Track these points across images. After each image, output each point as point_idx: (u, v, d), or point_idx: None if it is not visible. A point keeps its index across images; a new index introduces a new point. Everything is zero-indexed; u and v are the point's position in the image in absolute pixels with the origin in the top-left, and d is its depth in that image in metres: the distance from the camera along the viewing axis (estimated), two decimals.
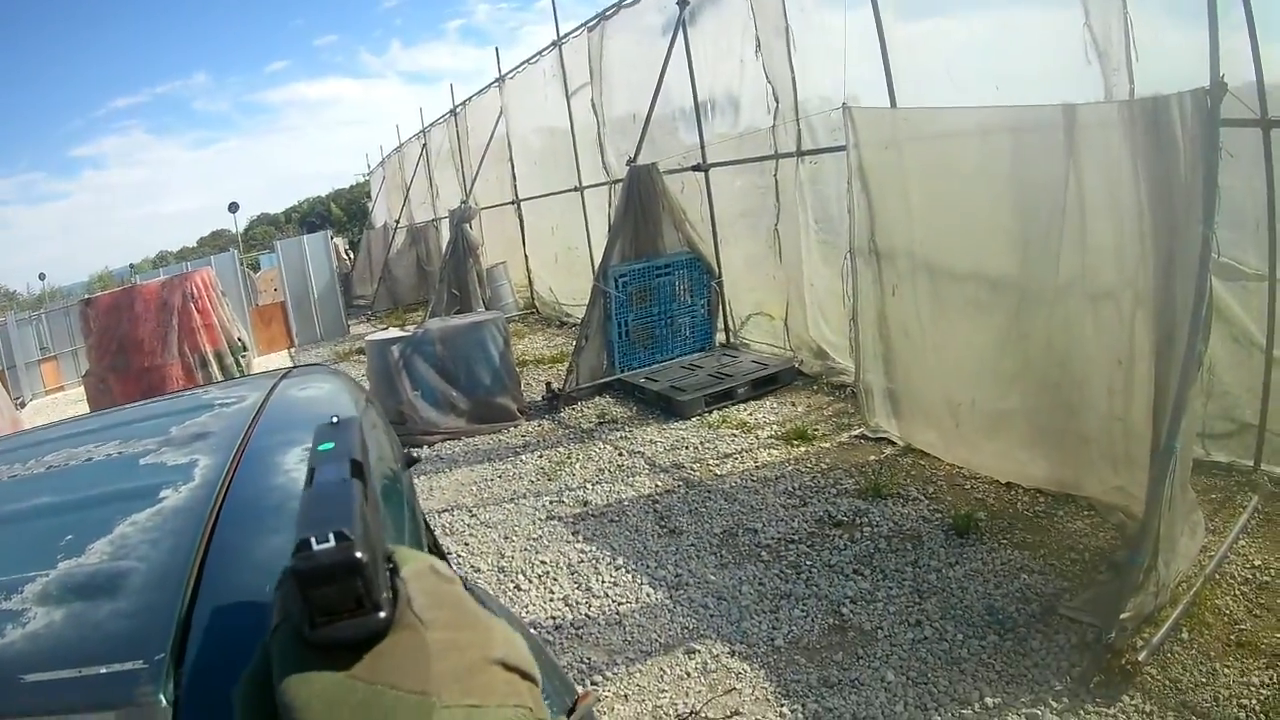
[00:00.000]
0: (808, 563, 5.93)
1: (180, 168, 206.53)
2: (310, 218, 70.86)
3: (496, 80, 18.84)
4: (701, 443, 8.73)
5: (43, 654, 1.11)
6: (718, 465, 8.03)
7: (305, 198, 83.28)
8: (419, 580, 0.83)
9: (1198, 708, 4.05)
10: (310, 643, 0.76)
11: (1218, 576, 5.02)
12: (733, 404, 9.74)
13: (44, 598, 1.24)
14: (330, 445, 0.97)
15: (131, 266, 62.47)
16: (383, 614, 0.77)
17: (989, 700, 4.28)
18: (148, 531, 1.44)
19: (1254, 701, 4.03)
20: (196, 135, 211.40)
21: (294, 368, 2.78)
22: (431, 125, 25.51)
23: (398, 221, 28.50)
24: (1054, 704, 4.18)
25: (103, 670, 1.06)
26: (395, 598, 0.80)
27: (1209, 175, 4.49)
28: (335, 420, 1.07)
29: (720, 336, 11.99)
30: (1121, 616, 4.39)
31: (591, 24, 14.46)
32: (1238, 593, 4.89)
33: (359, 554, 0.76)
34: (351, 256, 35.38)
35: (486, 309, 16.79)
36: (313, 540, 0.76)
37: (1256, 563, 5.13)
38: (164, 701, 1.01)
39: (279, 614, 0.81)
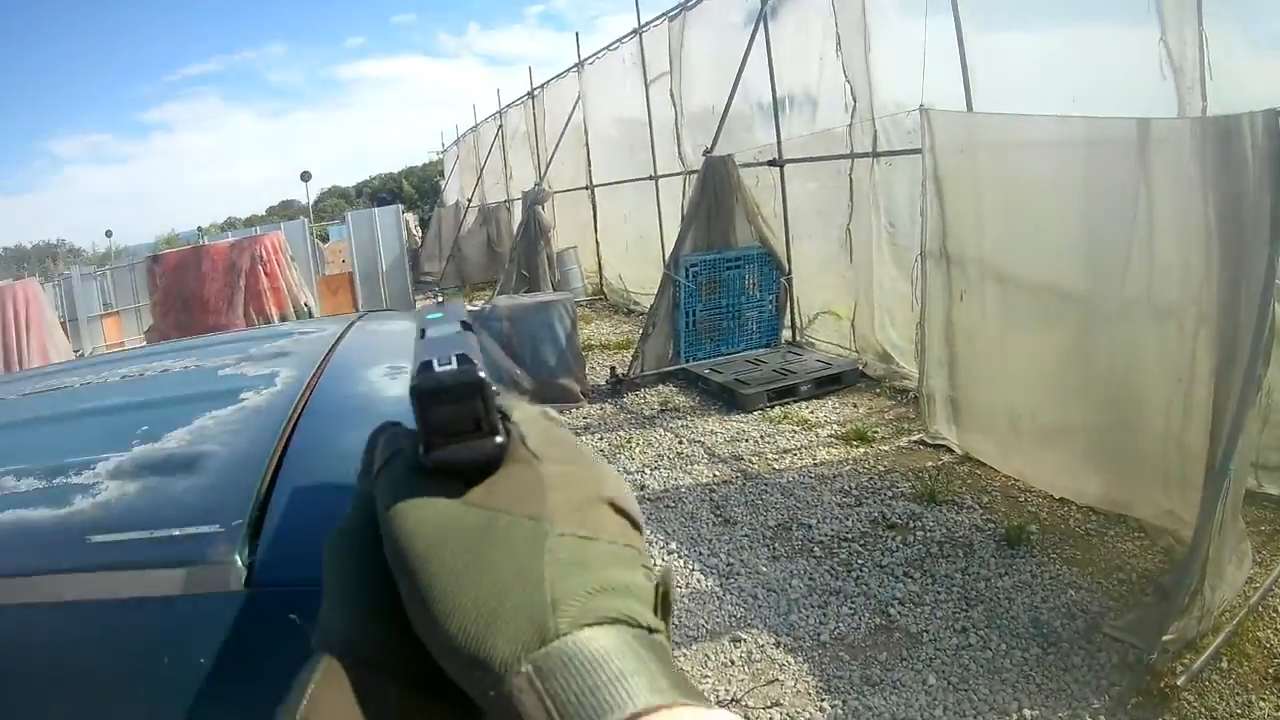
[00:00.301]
0: (859, 561, 5.99)
1: (251, 136, 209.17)
2: (381, 193, 71.32)
3: (575, 65, 18.96)
4: (761, 436, 8.81)
5: (112, 519, 1.14)
6: (776, 460, 8.09)
7: (377, 173, 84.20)
8: (531, 422, 0.80)
9: None
10: (421, 471, 0.73)
11: (1261, 609, 5.02)
12: (795, 401, 9.77)
13: (117, 473, 1.29)
14: (440, 315, 0.91)
15: (199, 229, 63.27)
16: (499, 439, 0.74)
17: (1027, 712, 4.32)
18: (228, 424, 1.51)
19: None
20: (269, 105, 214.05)
21: (370, 311, 2.88)
22: (508, 107, 25.59)
23: (469, 201, 28.68)
24: None
25: (175, 532, 1.11)
26: (509, 436, 0.76)
27: (1277, 196, 4.49)
28: (440, 300, 1.07)
29: (786, 333, 11.98)
30: (1164, 639, 4.41)
31: (673, 13, 14.51)
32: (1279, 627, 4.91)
33: (482, 374, 0.73)
34: (420, 233, 35.49)
35: (555, 291, 16.89)
36: (434, 361, 0.73)
37: None
38: (239, 562, 1.05)
39: (382, 455, 0.79)
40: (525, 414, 0.80)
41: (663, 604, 0.68)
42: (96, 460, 1.33)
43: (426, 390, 0.71)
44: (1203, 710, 4.25)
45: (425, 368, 0.73)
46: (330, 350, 2.09)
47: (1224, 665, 4.55)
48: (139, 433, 1.47)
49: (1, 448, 1.58)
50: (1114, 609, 5.10)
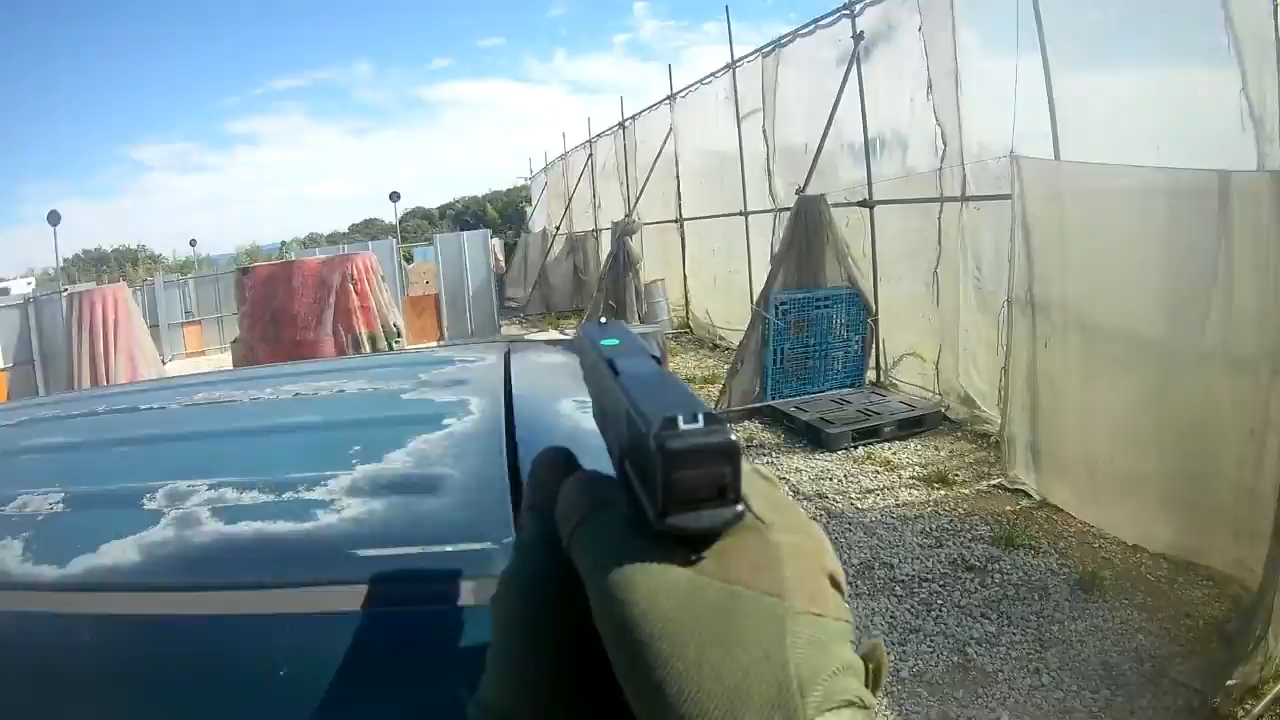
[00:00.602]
0: (939, 601, 6.13)
1: (335, 153, 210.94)
2: (465, 215, 71.79)
3: (668, 98, 19.16)
4: (845, 475, 8.92)
5: (372, 535, 1.18)
6: (859, 499, 8.21)
7: (460, 196, 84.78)
8: (750, 481, 0.71)
9: None
10: (643, 532, 0.66)
11: None
12: (878, 441, 9.85)
13: (355, 490, 1.32)
14: (617, 340, 0.87)
15: (283, 244, 64.02)
16: (741, 508, 0.67)
17: None
18: (447, 449, 1.53)
19: None
20: (354, 123, 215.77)
21: (514, 340, 2.95)
22: (599, 136, 25.75)
23: (557, 228, 29.01)
24: None
25: (449, 548, 1.16)
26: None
27: None
28: (603, 320, 0.95)
29: (870, 374, 12.03)
30: (1228, 684, 4.56)
31: (766, 50, 14.67)
32: None
33: (734, 437, 0.66)
34: (503, 258, 35.54)
35: (642, 323, 17.02)
36: (680, 418, 0.67)
37: None
38: None
39: (577, 504, 0.72)
40: (742, 471, 0.71)
41: (874, 678, 0.68)
42: (325, 477, 1.37)
43: (674, 451, 0.65)
44: None
45: (670, 425, 0.67)
46: (506, 378, 2.12)
47: None
48: (354, 452, 1.51)
49: (198, 460, 1.61)
50: (1181, 654, 5.22)
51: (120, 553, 1.18)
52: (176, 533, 1.21)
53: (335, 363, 2.77)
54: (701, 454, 0.66)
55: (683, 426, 0.66)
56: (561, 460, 0.78)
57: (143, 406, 2.15)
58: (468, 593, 1.08)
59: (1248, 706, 4.58)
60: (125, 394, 2.46)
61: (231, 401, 2.09)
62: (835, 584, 0.70)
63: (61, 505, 1.38)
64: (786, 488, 6.42)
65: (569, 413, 1.87)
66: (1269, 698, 4.62)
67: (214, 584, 1.11)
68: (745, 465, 0.71)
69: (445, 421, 1.69)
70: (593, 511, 0.70)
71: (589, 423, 1.69)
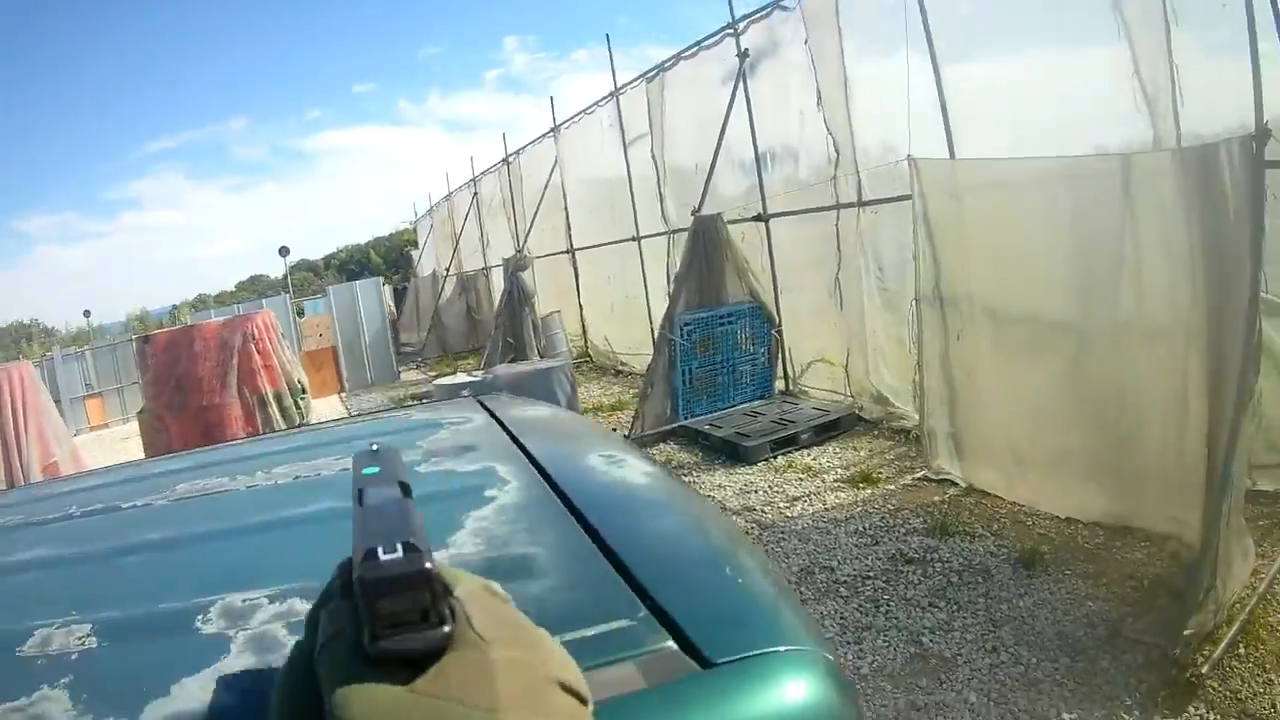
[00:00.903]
0: (885, 597, 6.18)
1: (217, 212, 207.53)
2: (349, 265, 71.18)
3: (551, 130, 19.12)
4: (770, 486, 8.95)
5: None
6: (788, 508, 8.25)
7: (344, 245, 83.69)
8: (475, 600, 0.79)
9: (1258, 714, 4.37)
10: (368, 657, 0.73)
11: (1269, 597, 5.31)
12: (796, 449, 9.92)
13: None
14: (375, 469, 0.94)
15: (174, 308, 62.86)
16: (448, 628, 0.74)
17: (1066, 716, 4.56)
18: (508, 523, 1.49)
19: None
20: (233, 180, 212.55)
21: (478, 396, 2.79)
22: (483, 174, 25.67)
23: (448, 269, 28.66)
24: (1126, 717, 4.48)
25: (589, 633, 1.12)
26: (453, 615, 0.76)
27: (1256, 217, 4.80)
28: (375, 448, 1.02)
29: (779, 384, 12.15)
30: (1185, 634, 4.70)
31: (650, 74, 14.74)
32: None
33: (428, 564, 0.74)
34: (394, 304, 35.32)
35: (541, 357, 17.01)
36: (379, 549, 0.74)
37: None
38: (675, 647, 1.09)
39: (325, 629, 0.79)
40: (468, 589, 0.81)
41: None
42: None
43: (372, 582, 0.73)
44: (1228, 694, 4.55)
45: (370, 556, 0.74)
46: (511, 438, 2.07)
47: (1241, 651, 4.84)
48: None
49: (231, 566, 1.48)
50: (1132, 614, 5.36)
51: (200, 692, 1.06)
52: (259, 658, 1.12)
53: (305, 437, 2.49)
54: (398, 582, 0.73)
55: (383, 558, 0.74)
56: (340, 582, 0.82)
57: (124, 505, 1.91)
58: (628, 678, 1.05)
59: (1206, 653, 4.73)
60: (83, 491, 2.14)
61: (224, 491, 1.93)
62: (571, 691, 0.76)
63: (94, 639, 1.23)
64: (714, 503, 6.44)
65: (604, 469, 1.89)
66: (1225, 642, 4.80)
67: None
68: (475, 584, 0.82)
69: (488, 494, 1.65)
70: (331, 638, 0.76)
71: (627, 474, 1.86)
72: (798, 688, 1.07)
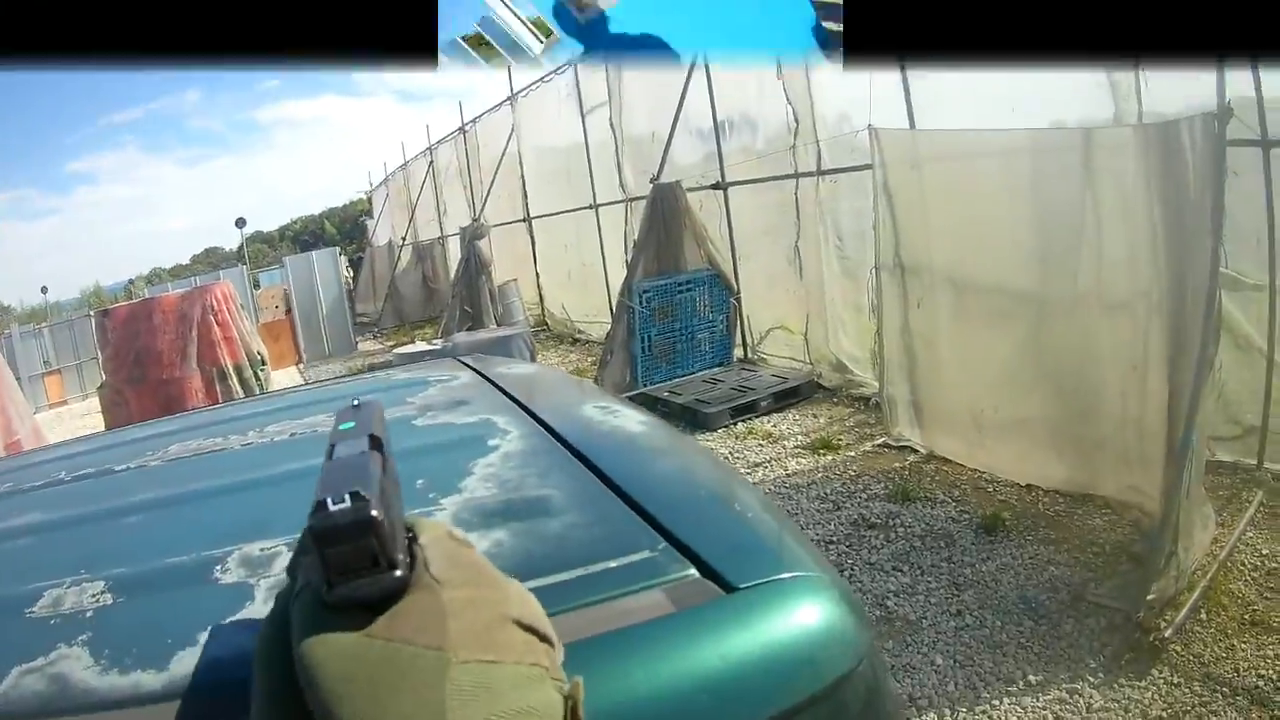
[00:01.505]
0: (849, 561, 6.22)
1: (172, 185, 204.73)
2: (304, 236, 70.70)
3: (509, 98, 18.94)
4: (730, 453, 8.98)
5: (529, 565, 1.16)
6: (749, 474, 8.23)
7: (298, 216, 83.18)
8: (436, 545, 0.83)
9: (1220, 678, 4.45)
10: (328, 605, 0.77)
11: (1229, 564, 5.42)
12: (755, 416, 9.95)
13: (467, 525, 1.30)
14: (351, 424, 0.95)
15: (130, 282, 62.33)
16: (399, 573, 0.77)
17: (1031, 678, 4.64)
18: (517, 469, 1.54)
19: (1271, 672, 4.43)
20: (189, 153, 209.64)
21: (461, 356, 2.79)
22: (439, 143, 25.43)
23: (403, 239, 28.48)
24: (1091, 679, 4.55)
25: (613, 564, 1.17)
26: (413, 562, 0.80)
27: (1217, 193, 4.86)
28: (356, 403, 1.03)
29: (738, 352, 12.17)
30: (1147, 598, 4.79)
31: None
32: (1249, 578, 5.30)
33: (374, 512, 0.76)
34: (350, 274, 35.06)
35: (498, 325, 16.94)
36: (329, 500, 0.76)
37: (1264, 552, 5.54)
38: (697, 574, 1.15)
39: (301, 579, 0.82)
40: (431, 535, 0.84)
41: (572, 714, 0.77)
42: (425, 512, 1.31)
43: (320, 531, 0.76)
44: (1190, 657, 4.63)
45: (320, 507, 0.76)
46: (506, 393, 2.10)
47: (1204, 617, 4.94)
48: (420, 486, 1.49)
49: (242, 518, 1.49)
50: (1094, 579, 5.45)
51: (234, 640, 1.09)
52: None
53: (290, 398, 2.54)
54: (345, 531, 0.76)
55: (331, 508, 0.76)
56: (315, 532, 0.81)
57: (117, 468, 1.93)
58: (659, 603, 1.10)
59: (1169, 617, 4.83)
60: (70, 458, 2.14)
61: (220, 450, 1.96)
62: (528, 629, 0.81)
63: (109, 595, 1.25)
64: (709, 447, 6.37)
65: (601, 417, 1.95)
66: (1188, 607, 4.90)
67: None
68: (439, 530, 0.86)
69: (491, 443, 1.70)
70: (300, 589, 0.81)
71: (624, 422, 1.93)
72: (816, 608, 1.14)
